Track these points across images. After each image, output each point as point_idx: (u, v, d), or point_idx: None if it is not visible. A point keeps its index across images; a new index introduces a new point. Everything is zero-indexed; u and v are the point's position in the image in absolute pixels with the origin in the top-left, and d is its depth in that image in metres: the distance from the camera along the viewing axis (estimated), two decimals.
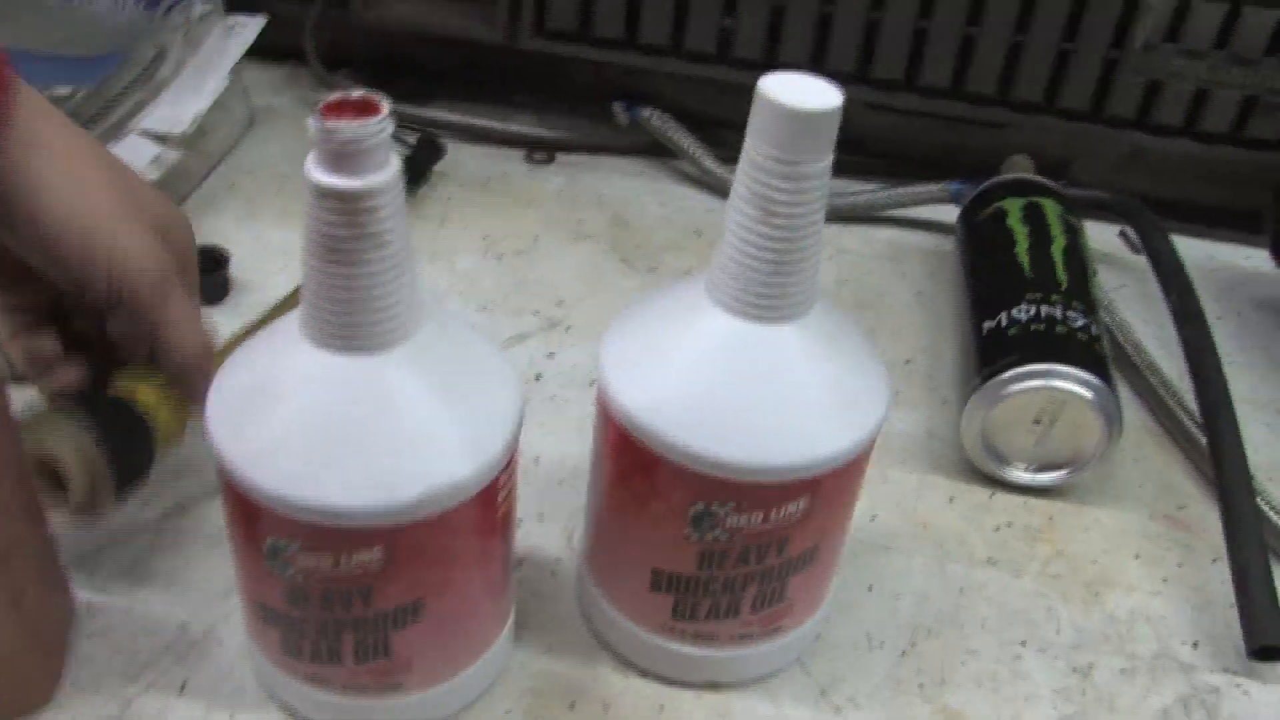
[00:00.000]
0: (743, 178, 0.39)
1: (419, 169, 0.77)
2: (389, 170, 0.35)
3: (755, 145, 0.38)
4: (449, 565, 0.41)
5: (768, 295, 0.40)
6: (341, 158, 0.34)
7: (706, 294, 0.42)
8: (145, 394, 0.49)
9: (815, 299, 0.42)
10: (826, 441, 0.41)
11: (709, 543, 0.43)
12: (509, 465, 0.41)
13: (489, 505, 0.41)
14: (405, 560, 0.39)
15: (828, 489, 0.42)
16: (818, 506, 0.42)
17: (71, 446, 0.45)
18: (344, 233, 0.35)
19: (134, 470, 0.47)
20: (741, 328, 0.41)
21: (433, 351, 0.39)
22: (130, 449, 0.47)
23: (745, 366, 0.41)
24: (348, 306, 0.37)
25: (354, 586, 0.40)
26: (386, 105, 0.35)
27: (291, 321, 0.39)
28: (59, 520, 0.46)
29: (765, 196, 0.38)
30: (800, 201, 0.38)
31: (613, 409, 0.43)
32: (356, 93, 0.34)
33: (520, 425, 0.41)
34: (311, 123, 0.34)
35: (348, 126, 0.34)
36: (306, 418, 0.38)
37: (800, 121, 0.37)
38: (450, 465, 0.38)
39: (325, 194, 0.35)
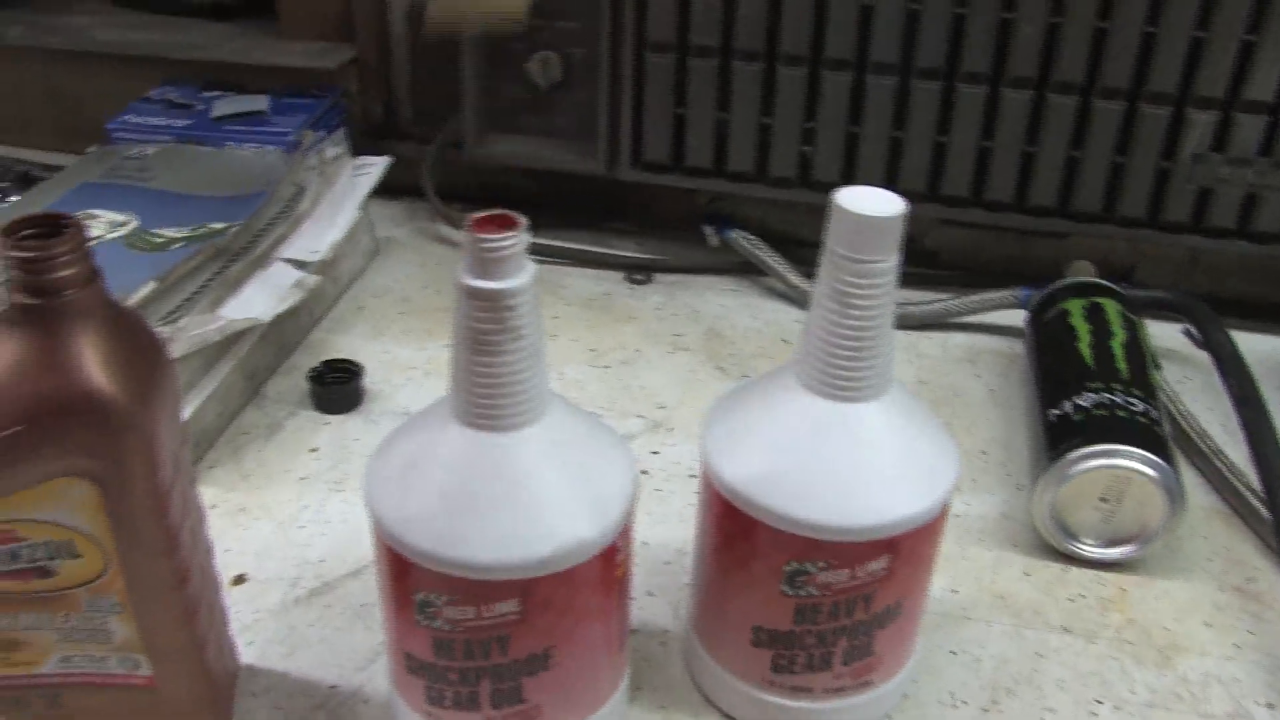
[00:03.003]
0: (824, 276, 0.45)
1: None
2: (526, 274, 0.42)
3: (833, 247, 0.45)
4: (575, 617, 0.47)
5: (848, 377, 0.46)
6: (488, 263, 0.41)
7: (795, 379, 0.48)
8: None
9: (890, 381, 0.48)
10: (904, 504, 0.46)
11: (803, 599, 0.48)
12: (625, 530, 0.47)
13: (609, 564, 0.47)
14: (537, 611, 0.45)
15: (906, 548, 0.48)
16: (898, 565, 0.48)
17: None
18: (489, 327, 0.42)
19: None
20: (827, 406, 0.47)
21: (560, 430, 0.46)
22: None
23: (831, 439, 0.47)
24: (490, 391, 0.44)
25: (493, 635, 0.46)
26: (524, 220, 0.42)
27: (443, 405, 0.46)
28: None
29: (842, 291, 0.45)
30: (872, 295, 0.45)
31: (715, 481, 0.49)
32: (499, 210, 0.42)
33: (635, 495, 0.47)
34: (463, 235, 0.41)
35: (494, 238, 0.41)
36: (454, 486, 0.45)
37: (870, 226, 0.43)
38: (576, 526, 0.44)
39: (474, 294, 0.42)
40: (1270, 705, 0.56)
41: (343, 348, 0.80)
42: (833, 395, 0.47)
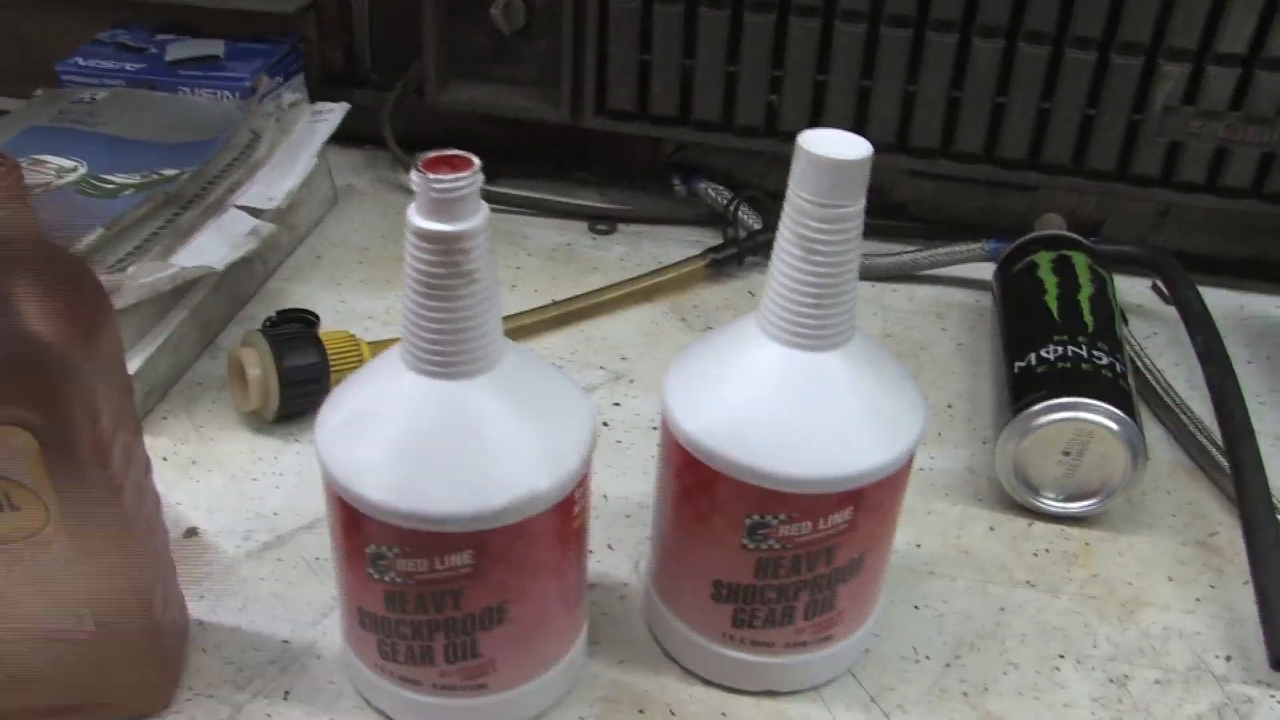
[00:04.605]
0: (787, 221, 0.44)
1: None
2: (479, 217, 0.41)
3: (797, 192, 0.43)
4: (531, 570, 0.46)
5: (811, 325, 0.45)
6: (439, 205, 0.40)
7: (757, 328, 0.47)
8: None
9: (853, 330, 0.47)
10: (867, 455, 0.46)
11: (764, 552, 0.47)
12: (583, 481, 0.46)
13: (566, 516, 0.46)
14: (492, 564, 0.44)
15: (870, 501, 0.47)
16: (861, 518, 0.47)
17: (255, 356, 0.64)
18: (440, 271, 0.41)
19: (302, 382, 0.64)
20: (789, 356, 0.46)
21: (515, 378, 0.45)
22: (303, 368, 0.65)
23: (793, 389, 0.46)
24: (442, 337, 0.42)
25: (446, 589, 0.45)
26: (477, 161, 0.40)
27: (394, 353, 0.44)
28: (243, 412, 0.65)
29: (806, 237, 0.43)
30: (836, 241, 0.43)
31: (675, 432, 0.48)
32: (451, 150, 0.40)
33: (593, 446, 0.46)
34: (414, 175, 0.40)
35: (446, 179, 0.39)
36: (406, 436, 0.43)
37: (835, 170, 0.42)
38: (532, 477, 0.43)
39: (425, 237, 0.40)
40: (1229, 658, 0.56)
41: (299, 297, 0.78)
42: (795, 344, 0.46)
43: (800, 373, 0.46)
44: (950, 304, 0.83)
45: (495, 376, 0.44)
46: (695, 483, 0.48)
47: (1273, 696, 0.54)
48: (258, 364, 0.64)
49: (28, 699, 0.48)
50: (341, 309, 0.77)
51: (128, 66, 0.88)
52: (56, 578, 0.45)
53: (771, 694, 0.53)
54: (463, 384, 0.43)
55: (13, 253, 0.39)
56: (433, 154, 0.40)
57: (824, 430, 0.45)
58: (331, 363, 0.66)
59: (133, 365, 0.64)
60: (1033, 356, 0.64)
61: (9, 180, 0.38)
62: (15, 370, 0.40)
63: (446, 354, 0.43)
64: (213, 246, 0.71)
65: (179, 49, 0.89)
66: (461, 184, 0.40)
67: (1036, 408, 0.60)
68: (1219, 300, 0.76)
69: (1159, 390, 0.71)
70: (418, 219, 0.40)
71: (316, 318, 0.71)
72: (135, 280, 0.64)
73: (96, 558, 0.45)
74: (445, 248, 0.40)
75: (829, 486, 0.45)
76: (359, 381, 0.47)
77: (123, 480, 0.44)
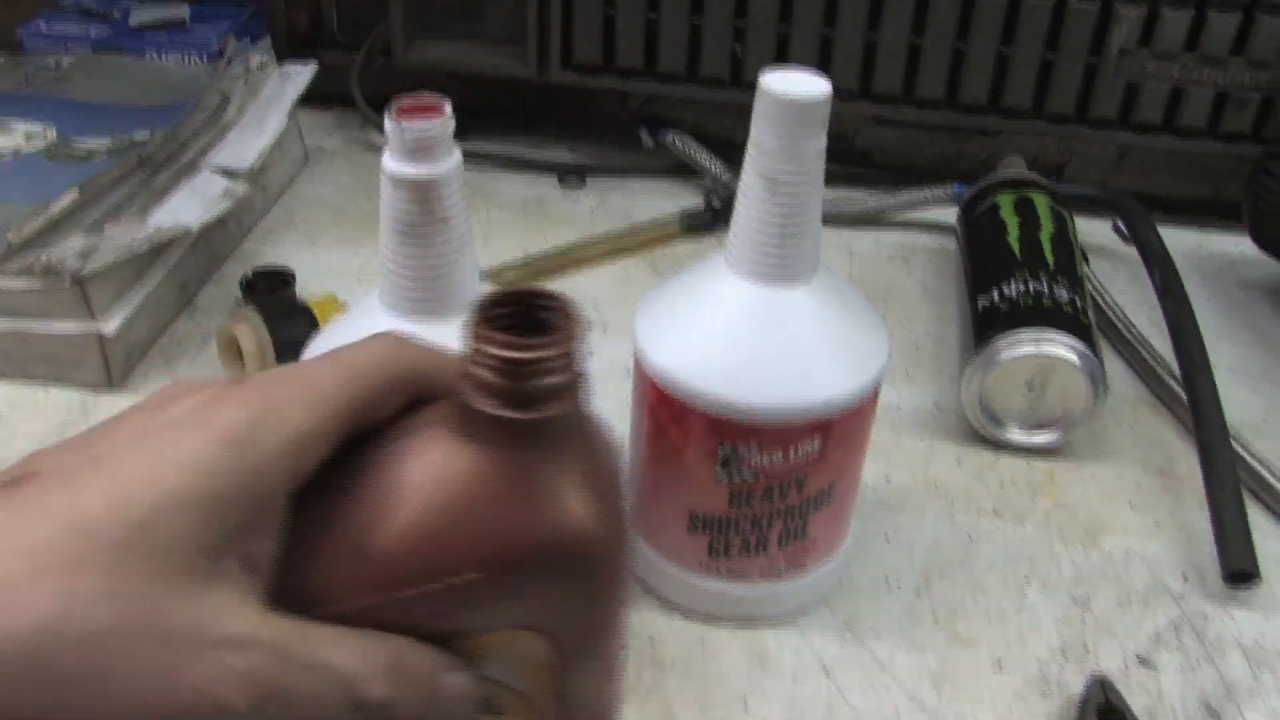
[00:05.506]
0: (750, 159, 0.45)
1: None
2: (452, 160, 0.42)
3: (760, 131, 0.45)
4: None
5: (777, 260, 0.46)
6: (413, 151, 0.41)
7: (724, 265, 0.48)
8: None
9: (818, 265, 0.48)
10: (835, 384, 0.47)
11: (737, 483, 0.49)
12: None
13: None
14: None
15: (837, 431, 0.48)
16: (830, 448, 0.49)
17: (248, 326, 0.63)
18: (417, 216, 0.42)
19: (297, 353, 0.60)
20: (756, 290, 0.47)
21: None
22: (297, 338, 0.61)
23: (761, 323, 0.47)
24: (421, 276, 0.43)
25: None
26: (448, 107, 0.41)
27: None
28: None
29: (770, 174, 0.45)
30: (799, 179, 0.45)
31: (647, 368, 0.49)
32: (424, 96, 0.41)
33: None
34: (387, 122, 0.41)
35: (418, 124, 0.40)
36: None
37: (795, 108, 0.43)
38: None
39: (400, 183, 0.41)
40: (1185, 577, 0.58)
41: (274, 258, 0.79)
42: (762, 278, 0.47)
43: (767, 306, 0.47)
44: (915, 249, 0.85)
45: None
46: (668, 417, 0.49)
47: (1224, 610, 0.57)
48: (252, 338, 0.64)
49: None
50: (317, 267, 0.78)
51: (92, 31, 0.88)
52: None
53: (749, 623, 0.54)
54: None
55: (559, 426, 0.31)
56: (406, 100, 0.41)
57: (791, 361, 0.47)
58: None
59: (112, 325, 0.65)
60: (995, 294, 0.66)
61: (565, 331, 0.30)
62: (551, 573, 0.31)
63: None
64: (187, 207, 0.71)
65: (143, 13, 0.90)
66: (435, 129, 0.41)
67: (1000, 342, 0.62)
68: (1178, 240, 0.78)
69: (1119, 326, 0.73)
70: (393, 165, 0.41)
71: (293, 276, 0.72)
72: (113, 241, 0.65)
73: None
74: (420, 194, 0.41)
75: (797, 416, 0.47)
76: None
77: (615, 700, 0.37)
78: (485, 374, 0.29)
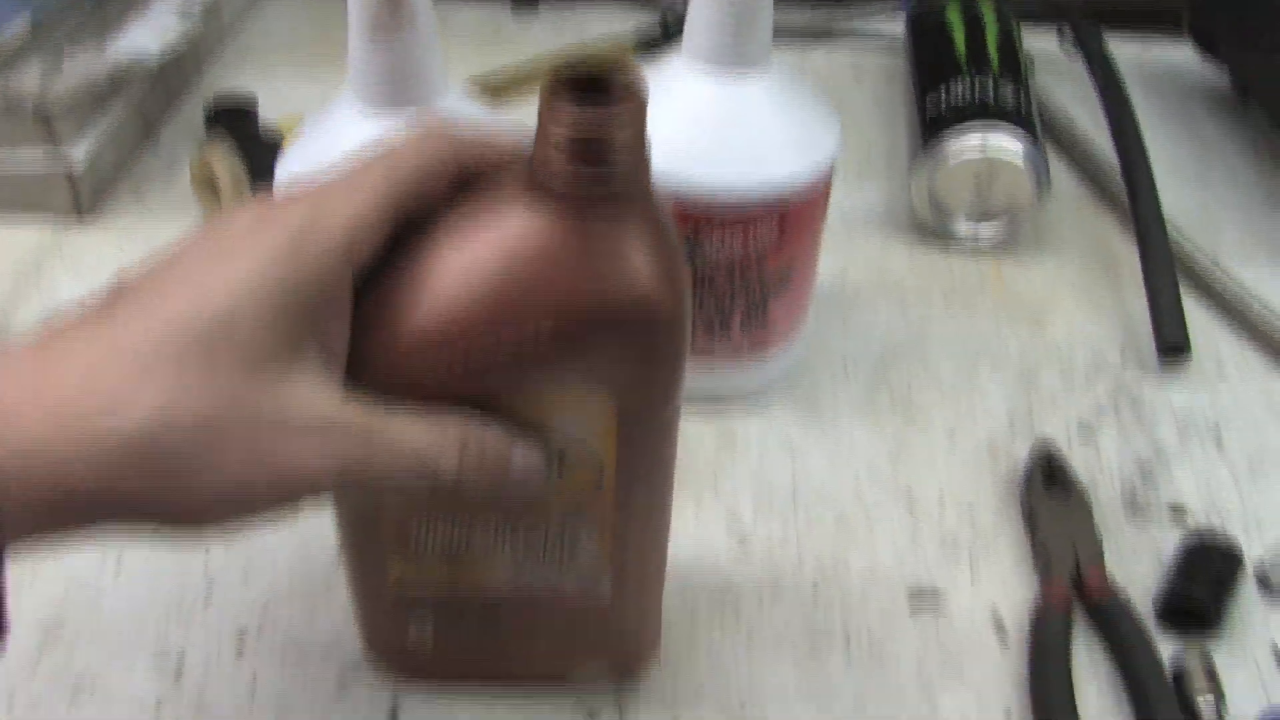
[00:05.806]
0: None
1: None
2: None
3: None
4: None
5: (732, 43, 0.48)
6: None
7: (680, 57, 0.50)
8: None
9: (769, 55, 0.50)
10: (789, 165, 0.49)
11: (700, 267, 0.51)
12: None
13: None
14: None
15: (794, 214, 0.51)
16: (787, 231, 0.51)
17: (222, 157, 0.64)
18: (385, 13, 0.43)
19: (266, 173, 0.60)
20: (711, 79, 0.49)
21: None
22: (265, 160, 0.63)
23: (717, 109, 0.50)
24: (389, 76, 0.45)
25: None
26: None
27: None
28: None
29: None
30: None
31: None
32: None
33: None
34: None
35: None
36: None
37: None
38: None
39: None
40: (1123, 353, 0.62)
41: (234, 89, 0.79)
42: (718, 64, 0.49)
43: (723, 94, 0.49)
44: (868, 64, 0.86)
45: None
46: None
47: (1158, 381, 0.60)
48: (227, 169, 0.65)
49: (537, 648, 0.45)
50: (276, 96, 0.78)
51: None
52: (584, 544, 0.40)
53: (717, 405, 0.57)
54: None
55: (627, 188, 0.32)
56: None
57: (747, 145, 0.49)
58: None
59: (78, 153, 0.66)
60: (942, 94, 0.68)
61: (633, 98, 0.31)
62: (618, 331, 0.33)
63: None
64: (143, 38, 0.72)
65: None
66: None
67: (947, 139, 0.64)
68: (1121, 49, 0.79)
69: (1061, 123, 0.75)
70: None
71: (255, 102, 0.72)
72: (74, 70, 0.65)
73: (633, 532, 0.40)
74: None
75: (754, 198, 0.49)
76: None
77: (673, 458, 0.40)
78: (559, 141, 0.30)
